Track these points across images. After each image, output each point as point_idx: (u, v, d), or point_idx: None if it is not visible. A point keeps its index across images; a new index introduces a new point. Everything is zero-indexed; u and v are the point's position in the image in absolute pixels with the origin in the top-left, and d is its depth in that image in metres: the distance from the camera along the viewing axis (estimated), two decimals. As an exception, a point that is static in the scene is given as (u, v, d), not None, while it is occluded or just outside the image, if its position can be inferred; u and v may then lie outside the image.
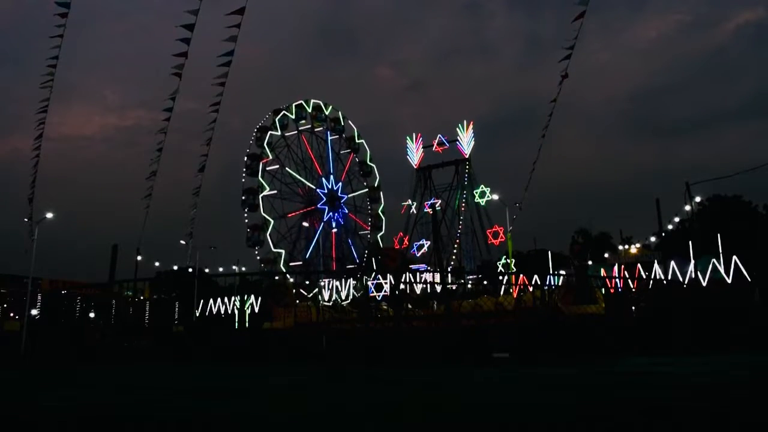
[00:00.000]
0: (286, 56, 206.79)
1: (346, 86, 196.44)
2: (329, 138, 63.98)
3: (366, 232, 65.20)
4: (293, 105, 59.34)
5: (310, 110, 60.40)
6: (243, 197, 55.17)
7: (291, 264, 56.66)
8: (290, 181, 59.62)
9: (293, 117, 59.21)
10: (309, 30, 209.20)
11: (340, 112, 63.40)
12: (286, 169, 59.31)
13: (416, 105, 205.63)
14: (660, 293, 23.72)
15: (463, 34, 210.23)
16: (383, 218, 66.35)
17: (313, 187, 60.87)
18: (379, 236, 65.82)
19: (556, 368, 11.89)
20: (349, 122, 64.58)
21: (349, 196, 64.88)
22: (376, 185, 65.96)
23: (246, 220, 55.12)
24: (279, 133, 58.22)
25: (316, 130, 62.91)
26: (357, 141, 65.16)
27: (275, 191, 57.32)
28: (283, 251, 56.04)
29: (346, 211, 63.78)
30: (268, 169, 56.80)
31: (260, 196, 55.00)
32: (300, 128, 61.20)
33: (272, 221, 55.49)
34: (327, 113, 62.33)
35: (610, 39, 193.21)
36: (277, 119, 57.71)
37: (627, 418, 5.38)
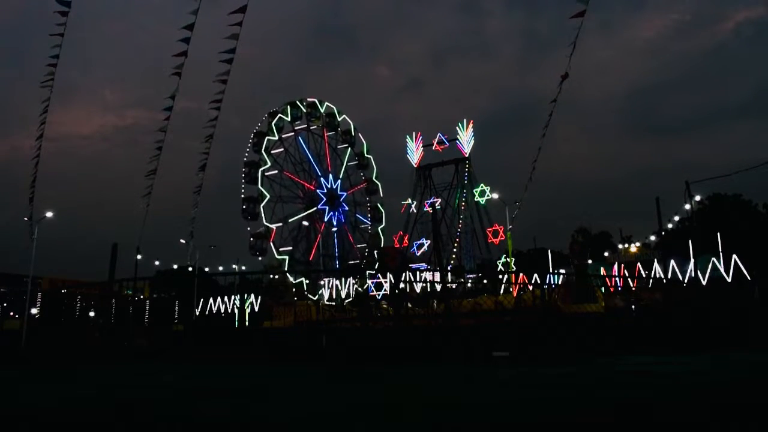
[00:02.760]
0: (284, 55, 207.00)
1: (344, 85, 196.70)
2: (325, 134, 63.84)
3: (367, 224, 65.22)
4: (287, 105, 59.10)
5: (304, 109, 60.16)
6: (243, 206, 54.74)
7: (280, 249, 56.36)
8: (290, 183, 59.56)
9: (288, 119, 59.06)
10: (307, 29, 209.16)
11: (335, 108, 63.36)
12: (285, 173, 59.20)
13: (415, 104, 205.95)
14: (660, 292, 23.74)
15: (460, 33, 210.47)
16: (383, 211, 66.44)
17: (313, 189, 60.78)
18: (380, 228, 65.78)
19: (555, 367, 11.89)
20: (346, 117, 64.46)
21: (351, 203, 64.97)
22: (373, 177, 66.03)
23: (249, 229, 54.71)
24: (276, 137, 58.00)
25: (311, 128, 62.76)
26: (353, 135, 65.07)
27: (275, 197, 57.20)
28: (287, 257, 55.74)
29: (347, 208, 63.79)
30: (267, 174, 56.60)
31: (261, 206, 54.65)
32: (296, 128, 61.04)
33: (274, 228, 55.28)
34: (321, 110, 62.23)
35: (609, 37, 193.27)
36: (273, 123, 57.42)
37: (627, 418, 5.38)
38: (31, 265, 33.02)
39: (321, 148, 63.11)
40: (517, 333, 17.36)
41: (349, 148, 64.80)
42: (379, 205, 66.17)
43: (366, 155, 65.50)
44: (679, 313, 19.57)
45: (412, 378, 10.43)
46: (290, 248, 57.25)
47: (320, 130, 62.90)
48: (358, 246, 64.74)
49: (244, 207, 54.62)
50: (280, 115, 57.79)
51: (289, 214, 58.99)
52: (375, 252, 61.98)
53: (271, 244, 54.21)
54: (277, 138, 58.10)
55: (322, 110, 61.66)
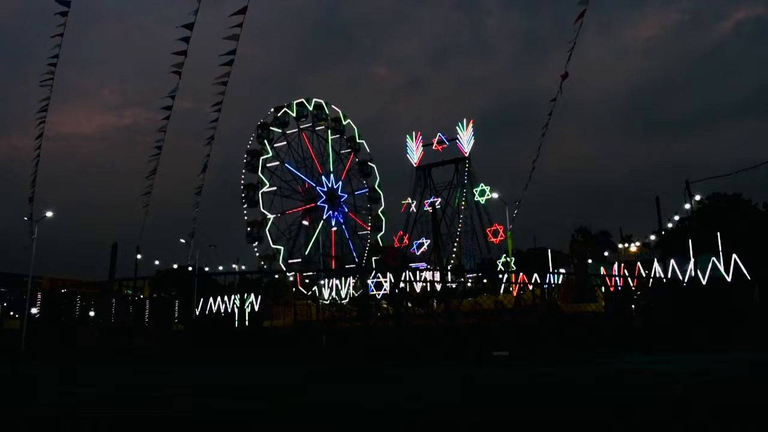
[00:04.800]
0: (282, 55, 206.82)
1: (343, 84, 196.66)
2: (330, 137, 63.93)
3: (366, 232, 65.10)
4: (294, 102, 59.22)
5: (311, 109, 60.30)
6: (243, 193, 55.20)
7: (290, 261, 56.60)
8: (290, 179, 59.63)
9: (294, 115, 59.14)
10: (304, 28, 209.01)
11: (341, 112, 63.35)
12: (286, 165, 59.25)
13: (414, 103, 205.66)
14: (660, 292, 23.73)
15: (459, 32, 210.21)
16: (383, 219, 66.25)
17: (313, 185, 60.73)
18: (378, 237, 65.74)
19: (555, 367, 11.90)
20: (350, 123, 64.54)
21: (351, 193, 64.89)
22: (376, 185, 65.87)
23: (245, 216, 55.21)
24: (280, 130, 58.16)
25: (317, 128, 62.85)
26: (357, 141, 65.07)
27: (275, 188, 57.35)
28: (282, 248, 56.07)
29: (346, 210, 63.76)
30: (268, 165, 56.78)
31: (260, 192, 55.00)
32: (301, 126, 61.09)
33: (271, 217, 55.55)
34: (327, 112, 62.30)
35: (609, 37, 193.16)
36: (278, 116, 57.66)
37: (626, 418, 5.38)
38: (31, 265, 33.01)
39: (324, 149, 63.26)
40: (517, 332, 17.37)
41: (352, 154, 64.90)
42: (380, 213, 66.16)
43: (369, 164, 65.48)
44: (679, 312, 19.57)
45: (412, 377, 10.43)
46: (287, 240, 57.54)
47: (324, 132, 63.05)
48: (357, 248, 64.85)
49: (244, 195, 55.01)
50: (285, 110, 57.97)
51: (288, 208, 59.19)
52: (372, 259, 62.07)
53: (267, 232, 54.43)
54: (280, 132, 58.32)
55: (327, 112, 61.78)
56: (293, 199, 59.79)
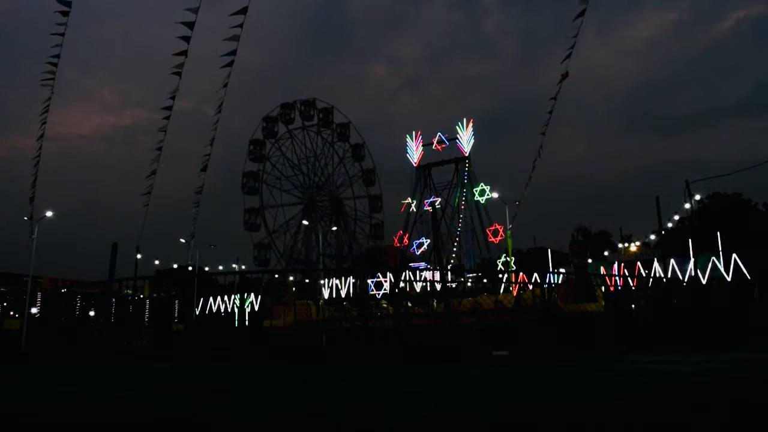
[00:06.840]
0: (281, 55, 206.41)
1: (342, 84, 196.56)
2: (328, 136, 64.17)
3: (366, 216, 65.80)
4: (282, 108, 59.71)
5: (298, 110, 60.72)
6: (243, 179, 55.78)
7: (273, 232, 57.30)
8: (289, 187, 60.11)
9: (284, 121, 59.66)
10: (303, 28, 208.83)
11: (329, 104, 63.83)
12: (283, 177, 59.71)
13: (414, 103, 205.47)
14: (660, 291, 23.75)
15: (458, 31, 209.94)
16: (381, 200, 67.12)
17: (312, 189, 61.06)
18: (380, 218, 66.53)
19: (555, 366, 11.90)
20: (340, 111, 64.88)
21: (345, 174, 65.54)
22: (370, 168, 66.41)
23: (244, 204, 55.83)
24: (272, 143, 58.81)
25: (307, 126, 63.14)
26: (348, 128, 65.50)
27: (275, 182, 58.09)
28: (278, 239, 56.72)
29: (344, 197, 64.26)
30: (265, 182, 57.56)
31: (259, 180, 55.60)
32: (291, 129, 61.42)
33: (269, 206, 56.19)
34: (317, 108, 62.63)
35: (608, 36, 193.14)
36: (269, 128, 58.26)
37: (626, 418, 5.39)
38: (31, 265, 32.97)
39: (318, 147, 63.54)
40: (517, 332, 17.37)
41: (346, 142, 65.27)
42: (377, 195, 66.63)
43: (362, 147, 65.83)
44: (679, 311, 19.58)
45: (411, 377, 10.44)
46: (283, 233, 58.09)
47: (316, 128, 63.33)
48: (360, 241, 65.22)
49: (244, 181, 55.53)
50: (275, 119, 58.45)
51: (291, 218, 59.62)
52: (376, 248, 62.48)
53: (264, 220, 55.08)
54: (273, 143, 58.84)
55: (316, 108, 62.07)
56: (293, 207, 60.39)
